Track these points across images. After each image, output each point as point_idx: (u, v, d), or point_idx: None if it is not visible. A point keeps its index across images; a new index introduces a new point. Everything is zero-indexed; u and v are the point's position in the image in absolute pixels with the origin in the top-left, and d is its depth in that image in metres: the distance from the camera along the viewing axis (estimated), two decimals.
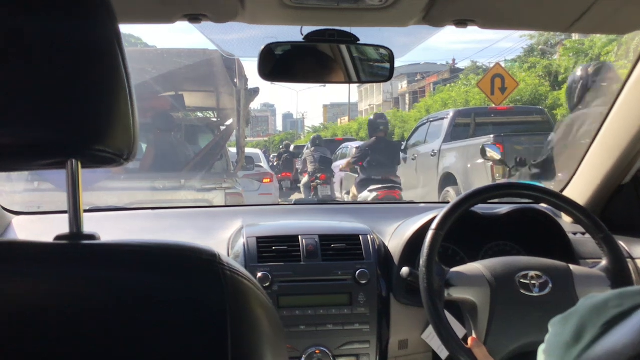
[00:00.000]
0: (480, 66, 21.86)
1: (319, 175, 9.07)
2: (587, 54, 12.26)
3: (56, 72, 0.56)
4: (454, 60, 30.24)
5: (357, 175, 6.77)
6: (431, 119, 9.35)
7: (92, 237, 0.63)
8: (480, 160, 7.18)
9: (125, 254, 0.60)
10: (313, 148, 9.65)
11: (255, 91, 5.97)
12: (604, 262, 1.39)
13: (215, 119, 6.68)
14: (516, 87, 10.29)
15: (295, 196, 12.13)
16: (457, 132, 8.26)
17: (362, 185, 6.36)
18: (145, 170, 5.13)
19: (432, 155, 8.37)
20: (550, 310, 0.75)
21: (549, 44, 16.16)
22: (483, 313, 1.34)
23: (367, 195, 6.08)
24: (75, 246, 0.62)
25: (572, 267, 1.40)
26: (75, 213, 0.63)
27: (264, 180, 8.61)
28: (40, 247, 0.59)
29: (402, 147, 8.92)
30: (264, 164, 9.40)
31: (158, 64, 5.53)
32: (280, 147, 16.13)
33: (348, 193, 8.54)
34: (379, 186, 6.12)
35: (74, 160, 0.62)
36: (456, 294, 1.36)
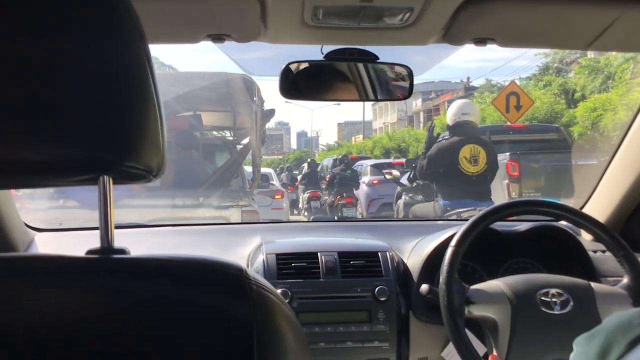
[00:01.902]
0: (495, 84, 21.85)
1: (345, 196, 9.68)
2: (603, 71, 12.21)
3: (90, 91, 0.57)
4: (468, 78, 30.26)
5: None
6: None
7: (122, 251, 0.64)
8: (497, 178, 7.23)
9: (156, 268, 0.61)
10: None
11: (271, 112, 6.20)
12: (625, 280, 1.38)
13: (231, 138, 6.95)
14: (531, 105, 10.26)
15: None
16: None
17: None
18: (165, 188, 5.24)
19: None
20: (572, 328, 0.75)
21: (564, 62, 16.11)
22: (504, 331, 1.33)
23: None
24: (107, 260, 0.63)
25: (593, 284, 1.39)
26: (106, 228, 0.65)
27: (276, 197, 9.41)
28: (74, 260, 0.61)
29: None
30: (275, 181, 10.23)
31: (181, 85, 5.72)
32: (305, 165, 15.68)
33: None
34: None
35: (105, 177, 0.63)
36: (477, 311, 1.35)
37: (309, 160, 16.19)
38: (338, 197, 9.99)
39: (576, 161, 7.29)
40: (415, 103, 34.91)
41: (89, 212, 4.15)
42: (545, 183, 7.37)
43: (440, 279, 1.35)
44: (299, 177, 14.15)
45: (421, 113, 33.54)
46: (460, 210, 4.25)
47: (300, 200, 12.56)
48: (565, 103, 13.75)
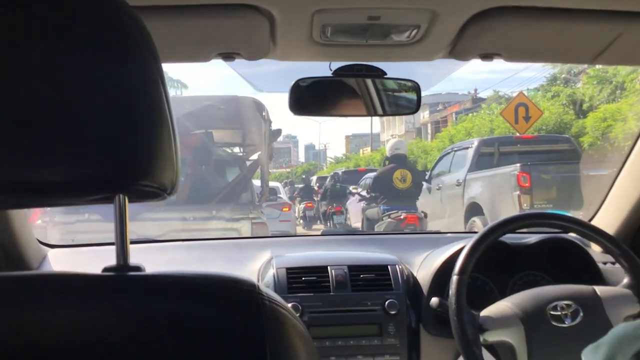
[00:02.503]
0: (502, 95, 21.77)
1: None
2: (611, 81, 12.14)
3: (104, 112, 0.58)
4: (475, 90, 30.14)
5: None
6: (455, 149, 9.28)
7: (138, 268, 0.65)
8: (507, 190, 7.17)
9: (171, 285, 0.62)
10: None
11: (278, 132, 7.29)
12: (626, 280, 1.39)
13: (241, 154, 7.46)
14: (540, 115, 10.20)
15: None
16: (482, 161, 8.19)
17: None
18: (181, 202, 5.74)
19: (457, 185, 8.29)
20: (585, 339, 0.75)
21: (571, 72, 16.02)
22: (521, 353, 1.32)
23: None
24: (123, 278, 0.64)
25: (597, 289, 1.38)
26: (122, 245, 0.65)
27: (284, 209, 10.09)
28: (90, 278, 0.62)
29: (426, 177, 8.91)
30: (283, 195, 10.97)
31: (197, 108, 6.32)
32: (314, 178, 16.22)
33: None
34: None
35: (121, 195, 0.64)
36: (491, 337, 1.34)
37: (303, 176, 17.32)
38: (329, 207, 11.24)
39: (587, 172, 7.22)
40: (423, 115, 34.84)
41: (109, 225, 4.31)
42: (556, 194, 7.30)
43: (450, 310, 1.34)
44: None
45: (429, 125, 33.48)
46: (391, 212, 6.94)
47: (297, 210, 13.51)
48: (574, 113, 13.68)
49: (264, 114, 6.29)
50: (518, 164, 7.29)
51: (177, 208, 5.69)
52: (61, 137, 0.57)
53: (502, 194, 7.34)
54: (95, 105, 0.58)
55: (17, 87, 0.56)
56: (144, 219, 5.16)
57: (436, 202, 8.64)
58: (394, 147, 7.56)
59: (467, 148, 8.69)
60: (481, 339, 1.33)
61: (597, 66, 12.23)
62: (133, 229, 4.59)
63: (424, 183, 8.36)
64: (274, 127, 6.72)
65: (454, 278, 1.36)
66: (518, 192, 7.17)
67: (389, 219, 6.91)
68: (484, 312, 1.37)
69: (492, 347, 1.41)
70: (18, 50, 0.56)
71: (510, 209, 6.98)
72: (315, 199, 13.51)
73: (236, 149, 7.62)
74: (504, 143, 8.81)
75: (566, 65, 15.01)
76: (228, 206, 5.80)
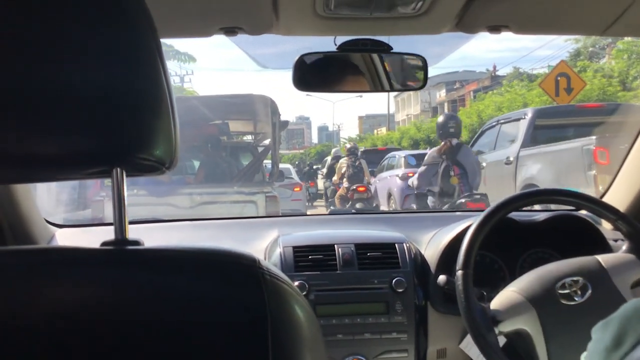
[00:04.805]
0: (523, 72, 21.38)
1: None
2: None
3: (100, 83, 0.58)
4: (494, 66, 29.44)
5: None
6: (502, 121, 7.95)
7: (136, 242, 0.65)
8: (578, 168, 5.94)
9: (168, 258, 0.62)
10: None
11: (286, 123, 8.44)
12: (626, 245, 1.37)
13: (252, 142, 8.66)
14: (583, 87, 9.15)
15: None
16: (538, 134, 6.93)
17: None
18: (207, 181, 6.93)
19: (506, 164, 7.11)
20: (598, 312, 0.73)
21: (597, 46, 15.53)
22: (538, 338, 1.30)
23: None
24: (121, 251, 0.64)
25: (600, 259, 1.36)
26: (120, 220, 0.65)
27: (295, 189, 10.69)
28: (88, 252, 0.62)
29: None
30: (294, 176, 11.72)
31: (215, 104, 7.58)
32: (328, 159, 15.41)
33: None
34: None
35: (118, 169, 0.64)
36: (506, 328, 1.32)
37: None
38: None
39: None
40: (439, 94, 34.57)
41: (156, 199, 6.06)
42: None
43: (460, 309, 1.32)
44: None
45: (445, 104, 33.16)
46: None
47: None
48: (619, 84, 12.48)
49: (273, 107, 7.22)
50: (593, 137, 6.02)
51: (203, 185, 6.88)
52: (57, 110, 0.57)
53: (570, 174, 6.14)
54: (90, 77, 0.58)
55: (12, 62, 0.56)
56: (180, 193, 6.42)
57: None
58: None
59: (517, 120, 7.34)
60: (496, 331, 1.31)
61: (627, 39, 11.72)
62: (171, 202, 5.86)
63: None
64: (284, 117, 8.00)
65: (459, 273, 1.33)
66: (594, 172, 5.88)
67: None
68: (494, 305, 1.35)
69: (509, 348, 1.37)
70: (13, 25, 0.56)
71: (583, 191, 6.00)
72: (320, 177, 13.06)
73: (249, 137, 8.91)
74: (565, 113, 7.40)
75: (590, 38, 14.35)
76: (246, 183, 6.96)
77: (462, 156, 5.59)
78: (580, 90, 8.96)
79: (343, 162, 9.51)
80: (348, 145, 10.17)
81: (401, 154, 11.46)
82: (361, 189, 8.61)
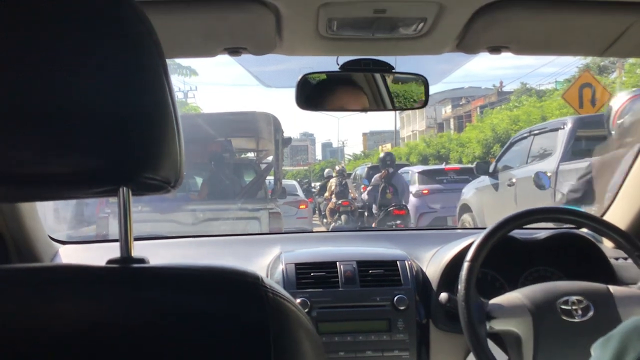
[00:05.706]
0: (531, 88, 21.26)
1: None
2: None
3: (107, 103, 0.59)
4: (501, 82, 29.24)
5: None
6: (535, 132, 7.16)
7: (141, 260, 0.65)
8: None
9: (173, 276, 0.63)
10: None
11: (289, 140, 8.49)
12: None
13: (255, 159, 8.87)
14: (610, 98, 8.36)
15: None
16: (579, 146, 6.08)
17: None
18: (211, 198, 7.05)
19: None
20: (595, 335, 0.74)
21: (607, 60, 15.37)
22: (527, 344, 1.31)
23: None
24: (127, 270, 0.64)
25: (611, 288, 1.37)
26: (125, 238, 0.66)
27: (300, 207, 10.67)
28: (95, 270, 0.62)
29: (490, 171, 7.35)
30: (299, 192, 11.59)
31: (218, 122, 7.86)
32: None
33: None
34: None
35: (124, 188, 0.64)
36: (498, 326, 1.33)
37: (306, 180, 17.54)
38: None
39: None
40: (445, 110, 34.53)
41: (159, 215, 6.20)
42: None
43: (458, 296, 1.34)
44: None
45: (451, 120, 33.12)
46: None
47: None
48: None
49: (276, 124, 7.43)
50: None
51: (206, 202, 7.02)
52: (64, 130, 0.57)
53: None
54: (97, 97, 0.58)
55: (20, 81, 0.57)
56: (184, 209, 6.59)
57: (508, 201, 6.64)
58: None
59: (555, 130, 6.55)
60: (487, 327, 1.33)
61: None
62: (174, 218, 5.91)
63: (488, 178, 7.10)
64: (286, 134, 7.88)
65: (465, 265, 1.35)
66: None
67: None
68: (493, 300, 1.36)
69: (499, 338, 1.40)
70: (21, 43, 0.57)
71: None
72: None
73: (252, 154, 9.16)
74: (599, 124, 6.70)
75: None
76: (249, 200, 7.11)
77: (395, 180, 8.67)
78: (605, 102, 8.21)
79: (333, 181, 10.55)
80: (337, 167, 11.39)
81: (414, 169, 11.07)
82: (345, 203, 9.78)
